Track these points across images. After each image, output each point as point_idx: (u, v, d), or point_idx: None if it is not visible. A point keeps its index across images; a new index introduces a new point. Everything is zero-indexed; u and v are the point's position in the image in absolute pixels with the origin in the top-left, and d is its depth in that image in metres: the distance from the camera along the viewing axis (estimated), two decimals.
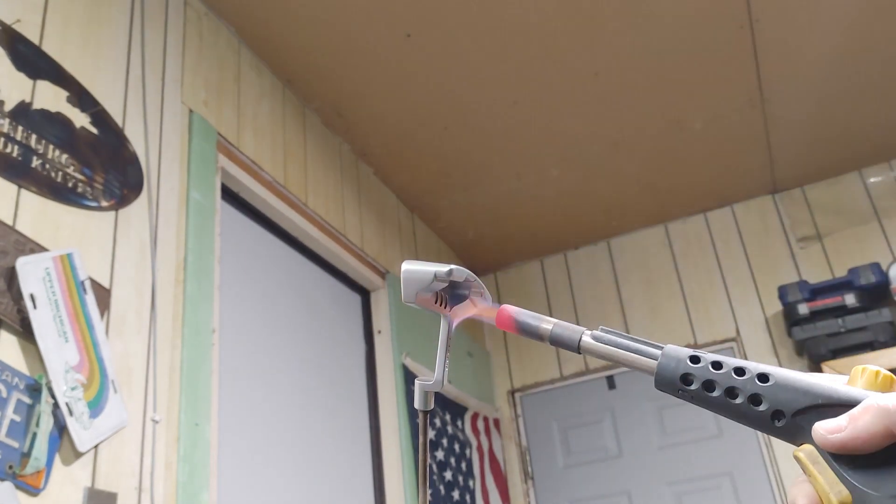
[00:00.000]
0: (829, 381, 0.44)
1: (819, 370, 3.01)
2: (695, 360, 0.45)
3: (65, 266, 1.50)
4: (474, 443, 3.29)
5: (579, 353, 0.49)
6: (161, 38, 2.08)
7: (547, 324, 0.50)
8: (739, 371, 0.45)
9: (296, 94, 2.69)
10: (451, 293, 0.50)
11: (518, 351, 3.79)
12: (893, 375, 0.43)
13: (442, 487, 2.87)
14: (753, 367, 0.45)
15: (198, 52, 2.22)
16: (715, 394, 0.45)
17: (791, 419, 0.43)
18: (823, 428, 0.42)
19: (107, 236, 1.68)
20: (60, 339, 1.44)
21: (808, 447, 0.43)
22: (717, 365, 0.45)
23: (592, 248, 3.83)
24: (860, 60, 2.83)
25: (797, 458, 0.43)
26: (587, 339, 0.48)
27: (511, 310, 0.51)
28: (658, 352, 0.47)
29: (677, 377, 0.46)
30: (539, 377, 3.69)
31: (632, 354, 0.48)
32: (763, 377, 0.44)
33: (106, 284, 1.63)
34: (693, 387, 0.45)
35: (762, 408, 0.44)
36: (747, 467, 3.23)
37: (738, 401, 0.44)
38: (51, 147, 1.60)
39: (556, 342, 0.49)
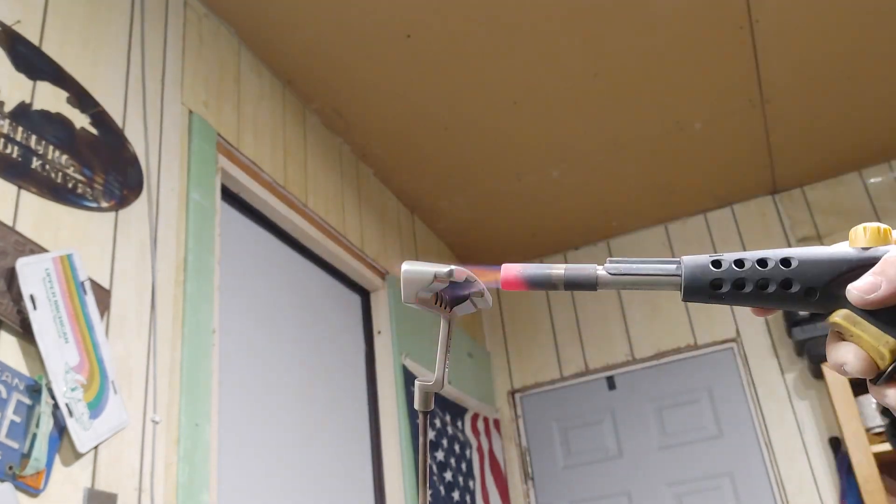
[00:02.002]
0: (840, 247, 0.46)
1: (819, 371, 3.01)
2: (717, 264, 0.47)
3: (65, 267, 1.50)
4: (474, 443, 3.29)
5: (596, 290, 0.48)
6: (161, 39, 2.08)
7: (558, 269, 0.49)
8: (762, 262, 0.46)
9: (296, 95, 2.69)
10: (451, 293, 0.50)
11: (518, 351, 3.79)
12: (888, 227, 0.46)
13: (442, 488, 2.87)
14: (774, 254, 0.46)
15: (198, 53, 2.22)
16: (746, 290, 0.46)
17: (824, 290, 0.45)
18: (858, 288, 0.44)
19: (107, 237, 1.68)
20: (60, 339, 1.44)
21: (843, 311, 0.45)
22: (739, 263, 0.46)
23: (592, 248, 3.83)
24: (860, 60, 2.83)
25: (835, 324, 0.45)
26: (602, 272, 0.48)
27: (514, 267, 0.49)
28: (675, 266, 0.47)
29: (707, 284, 0.46)
30: (539, 377, 3.69)
31: (652, 275, 0.48)
32: (786, 262, 0.46)
33: (106, 285, 1.63)
34: (724, 289, 0.46)
35: (794, 289, 0.46)
36: (747, 468, 3.23)
37: (771, 290, 0.46)
38: (51, 148, 1.60)
39: (572, 285, 0.48)
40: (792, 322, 3.11)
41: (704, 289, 0.46)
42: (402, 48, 2.54)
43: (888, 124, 3.20)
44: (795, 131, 3.18)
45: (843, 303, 0.45)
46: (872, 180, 3.44)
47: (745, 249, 3.52)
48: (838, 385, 2.88)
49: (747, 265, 0.46)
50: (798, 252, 0.46)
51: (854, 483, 2.79)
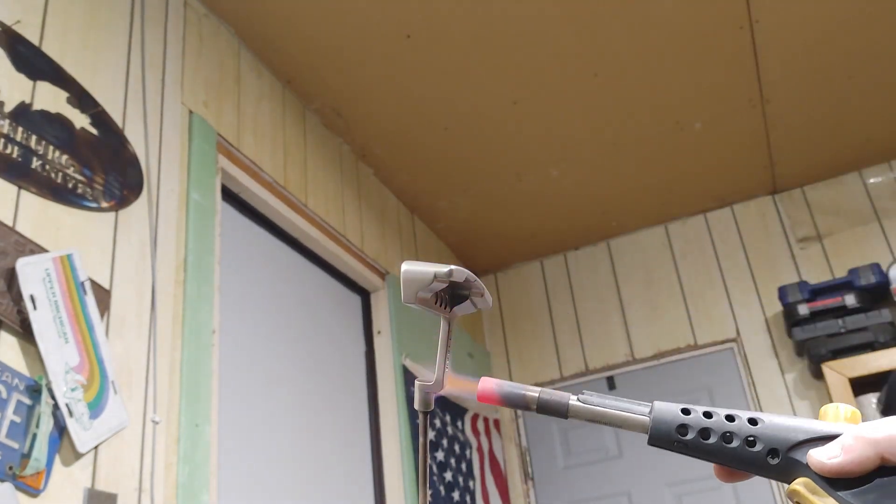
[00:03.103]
0: (808, 421, 0.48)
1: (819, 371, 3.01)
2: (686, 412, 0.48)
3: (65, 267, 1.50)
4: (474, 443, 3.29)
5: (566, 419, 0.50)
6: (161, 39, 2.08)
7: (532, 392, 0.50)
8: (730, 418, 0.47)
9: (296, 95, 2.69)
10: (451, 294, 0.50)
11: (518, 351, 3.79)
12: (856, 410, 0.48)
13: (442, 488, 2.87)
14: (742, 413, 0.48)
15: (198, 53, 2.22)
16: (711, 441, 0.47)
17: (785, 455, 0.46)
18: (820, 455, 0.45)
19: (107, 237, 1.68)
20: (60, 339, 1.44)
21: (803, 479, 0.46)
22: (708, 414, 0.48)
23: (592, 249, 3.82)
24: (860, 60, 2.83)
25: (795, 493, 0.46)
26: (574, 402, 0.50)
27: (491, 382, 0.51)
28: (646, 409, 0.49)
29: (673, 429, 0.48)
30: (539, 378, 3.68)
31: (623, 413, 0.49)
32: (753, 421, 0.47)
33: (106, 285, 1.63)
34: (689, 437, 0.47)
35: (757, 448, 0.47)
36: None
37: (734, 444, 0.47)
38: (51, 148, 1.60)
39: (544, 409, 0.50)
40: (792, 322, 3.11)
41: (670, 433, 0.48)
42: (402, 48, 2.54)
43: (888, 124, 3.20)
44: (795, 131, 3.18)
45: (803, 470, 0.46)
46: (872, 180, 3.44)
47: (745, 250, 3.53)
48: (838, 385, 2.88)
49: (715, 417, 0.47)
50: (767, 415, 0.47)
51: None
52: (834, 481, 0.44)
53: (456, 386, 0.51)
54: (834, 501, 0.44)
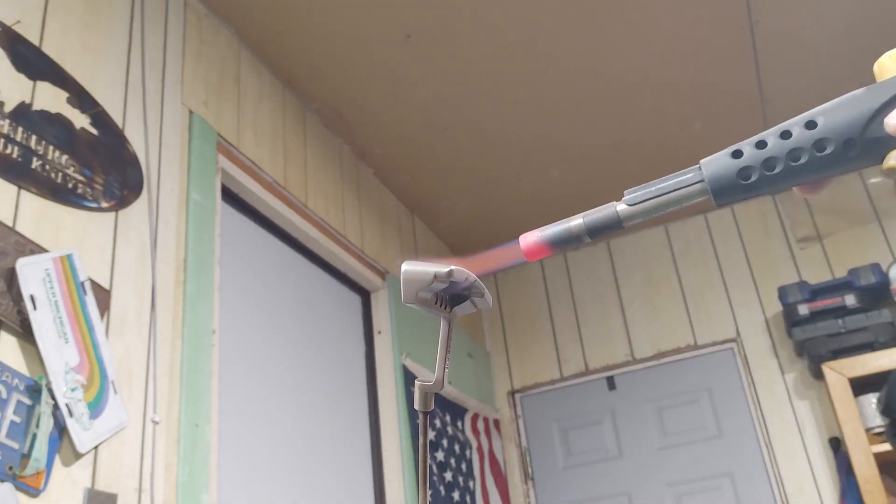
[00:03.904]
0: (867, 90, 0.42)
1: (819, 371, 3.01)
2: (737, 154, 0.43)
3: (65, 267, 1.50)
4: (474, 444, 3.29)
5: (622, 227, 0.45)
6: (161, 40, 2.08)
7: (576, 220, 0.46)
8: (786, 133, 0.42)
9: (296, 95, 2.69)
10: (451, 294, 0.50)
11: (518, 351, 3.79)
12: None
13: (442, 488, 2.87)
14: (796, 121, 0.42)
15: (198, 54, 2.22)
16: (779, 169, 0.42)
17: (863, 140, 0.41)
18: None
19: (107, 237, 1.68)
20: (60, 339, 1.44)
21: (894, 153, 0.40)
22: (761, 144, 0.43)
23: (592, 249, 3.82)
24: (860, 60, 2.82)
25: (893, 169, 0.41)
26: (622, 207, 0.45)
27: (532, 235, 0.47)
28: (693, 173, 0.44)
29: (734, 177, 0.43)
30: (539, 378, 3.69)
31: (676, 191, 0.44)
32: (811, 124, 0.42)
33: (106, 285, 1.63)
34: (754, 178, 0.42)
35: (830, 149, 0.41)
36: (747, 468, 3.23)
37: (805, 159, 0.42)
38: (51, 148, 1.60)
39: (595, 231, 0.46)
40: (792, 322, 3.11)
41: (734, 184, 0.43)
42: (402, 48, 2.54)
43: None
44: None
45: (892, 143, 0.40)
46: (872, 180, 3.44)
47: (745, 250, 3.53)
48: (838, 385, 2.88)
49: (771, 141, 0.42)
50: (821, 109, 0.42)
51: (854, 483, 2.79)
52: None
53: (494, 261, 0.48)
54: None
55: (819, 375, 3.06)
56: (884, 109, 0.41)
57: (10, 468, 1.30)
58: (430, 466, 2.85)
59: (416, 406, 0.53)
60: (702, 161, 0.44)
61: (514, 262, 0.48)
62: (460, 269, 0.48)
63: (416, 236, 3.42)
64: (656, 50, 2.67)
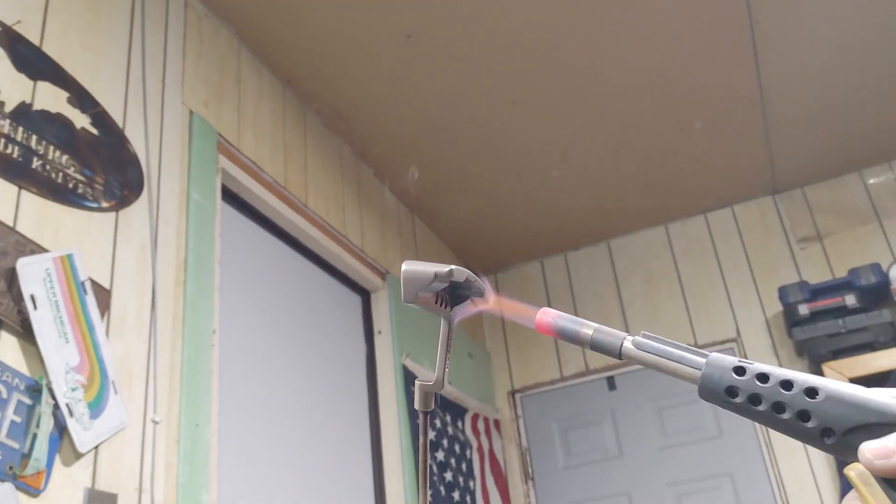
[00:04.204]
0: (883, 394, 0.42)
1: (819, 371, 3.01)
2: (740, 371, 0.45)
3: (65, 267, 1.50)
4: (474, 443, 3.29)
5: (620, 359, 0.48)
6: (161, 40, 2.08)
7: (587, 328, 0.49)
8: (787, 385, 0.43)
9: (296, 95, 2.69)
10: (452, 293, 0.50)
11: (518, 352, 3.79)
12: None
13: (442, 488, 2.87)
14: (802, 379, 0.43)
15: (198, 54, 2.22)
16: (761, 408, 0.44)
17: (842, 437, 0.41)
18: (870, 451, 0.40)
19: (107, 237, 1.68)
20: (61, 339, 1.44)
21: (859, 466, 0.42)
22: (763, 378, 0.44)
23: (592, 248, 3.82)
24: (860, 60, 2.82)
25: (848, 477, 0.42)
26: (629, 345, 0.47)
27: (550, 314, 0.50)
28: (702, 360, 0.46)
29: (722, 389, 0.45)
30: (539, 378, 3.69)
31: (675, 363, 0.46)
32: (811, 392, 0.43)
33: (106, 285, 1.63)
34: (738, 399, 0.44)
35: (811, 424, 0.42)
36: (748, 468, 3.23)
37: (786, 416, 0.43)
38: (51, 148, 1.60)
39: (597, 347, 0.48)
40: (792, 322, 3.11)
41: (719, 393, 0.45)
42: (402, 48, 2.54)
43: (888, 124, 3.20)
44: (795, 131, 3.18)
45: (856, 455, 0.42)
46: (872, 180, 3.44)
47: (745, 250, 3.52)
48: None
49: (770, 381, 0.44)
50: (829, 386, 0.43)
51: None
52: (890, 479, 0.40)
53: (514, 311, 0.50)
54: (884, 495, 0.40)
55: (819, 375, 3.06)
56: (872, 426, 0.41)
57: (11, 468, 1.30)
58: (431, 466, 2.85)
59: (417, 406, 0.53)
60: (711, 356, 0.46)
61: (522, 322, 0.51)
62: (460, 269, 0.48)
63: (416, 236, 3.42)
64: (656, 50, 2.67)
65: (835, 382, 0.43)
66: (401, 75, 2.66)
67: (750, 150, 3.29)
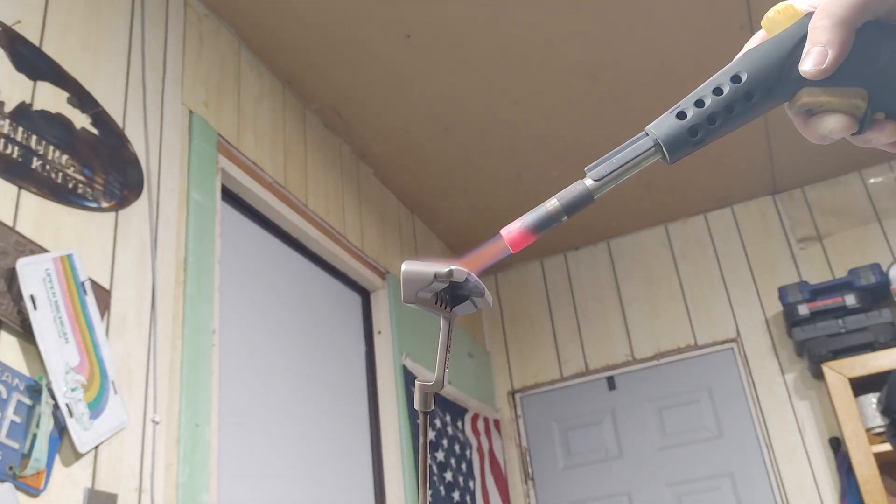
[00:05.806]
0: (772, 41, 0.48)
1: (819, 371, 3.01)
2: (681, 115, 0.49)
3: (65, 267, 1.50)
4: (474, 444, 3.29)
5: (594, 200, 0.50)
6: (161, 40, 2.08)
7: (550, 204, 0.51)
8: (718, 90, 0.49)
9: (296, 95, 2.69)
10: (452, 293, 0.50)
11: (518, 352, 3.79)
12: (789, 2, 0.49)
13: (442, 488, 2.87)
14: (722, 78, 0.49)
15: (198, 53, 2.22)
16: (719, 122, 0.49)
17: (780, 84, 0.48)
18: (809, 64, 0.46)
19: (107, 237, 1.68)
20: (61, 339, 1.44)
21: (803, 90, 0.48)
22: (699, 103, 0.49)
23: (592, 249, 3.83)
24: None
25: (805, 103, 0.48)
26: (590, 183, 0.51)
27: (513, 226, 0.51)
28: (645, 139, 0.50)
29: (685, 135, 0.49)
30: (539, 378, 3.69)
31: (632, 159, 0.50)
32: (736, 78, 0.48)
33: (106, 285, 1.63)
34: (701, 133, 0.49)
35: (757, 97, 0.48)
36: (748, 468, 3.23)
37: (738, 110, 0.48)
38: (51, 148, 1.60)
39: (571, 209, 0.51)
40: (792, 322, 3.11)
41: (685, 141, 0.49)
42: (402, 48, 2.54)
43: None
44: (795, 131, 3.16)
45: (800, 83, 0.47)
46: (872, 180, 3.44)
47: (745, 250, 3.53)
48: (838, 385, 2.88)
49: (708, 101, 0.48)
50: (740, 63, 0.48)
51: (854, 483, 2.79)
52: (832, 75, 0.46)
53: (481, 260, 0.51)
54: (840, 89, 0.47)
55: (819, 375, 3.06)
56: (791, 56, 0.47)
57: (11, 468, 1.30)
58: (430, 466, 2.85)
59: (416, 406, 0.53)
60: (648, 127, 0.50)
61: (501, 257, 0.51)
62: (460, 269, 0.48)
63: (416, 236, 3.42)
64: (656, 50, 2.67)
65: (741, 57, 0.49)
66: (401, 75, 2.66)
67: (750, 150, 3.29)
